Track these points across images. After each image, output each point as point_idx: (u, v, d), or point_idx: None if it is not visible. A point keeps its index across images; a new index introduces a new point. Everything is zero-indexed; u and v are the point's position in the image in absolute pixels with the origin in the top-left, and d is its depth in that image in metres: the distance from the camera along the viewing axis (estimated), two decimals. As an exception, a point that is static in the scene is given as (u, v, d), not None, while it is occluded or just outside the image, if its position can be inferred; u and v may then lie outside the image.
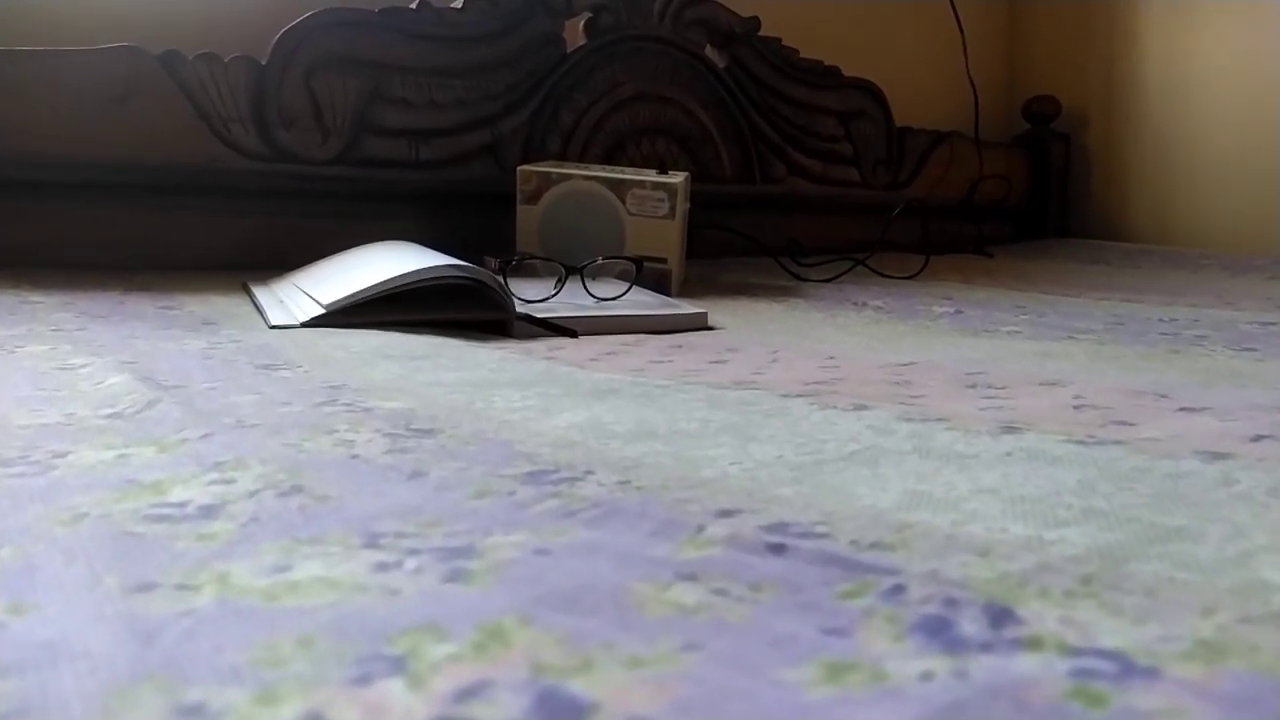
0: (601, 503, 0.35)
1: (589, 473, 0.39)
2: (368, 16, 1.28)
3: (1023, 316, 1.01)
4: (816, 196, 1.68)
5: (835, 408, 0.51)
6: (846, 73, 1.71)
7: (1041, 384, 0.60)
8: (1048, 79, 2.04)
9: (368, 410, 0.50)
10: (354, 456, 0.40)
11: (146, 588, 0.27)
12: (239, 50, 1.21)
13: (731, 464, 0.40)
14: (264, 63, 1.22)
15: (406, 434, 0.45)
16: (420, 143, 1.32)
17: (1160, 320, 0.98)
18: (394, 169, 1.30)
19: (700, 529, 0.32)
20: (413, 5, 1.32)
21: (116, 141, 1.14)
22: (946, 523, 0.32)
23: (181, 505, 0.34)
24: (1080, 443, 0.43)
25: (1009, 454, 0.41)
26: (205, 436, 0.42)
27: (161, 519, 0.32)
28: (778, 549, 0.30)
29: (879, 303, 1.11)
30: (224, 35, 1.28)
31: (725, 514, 0.33)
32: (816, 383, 0.60)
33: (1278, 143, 1.76)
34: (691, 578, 0.28)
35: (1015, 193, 1.91)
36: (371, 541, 0.31)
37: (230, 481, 0.36)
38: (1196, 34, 1.85)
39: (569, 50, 1.43)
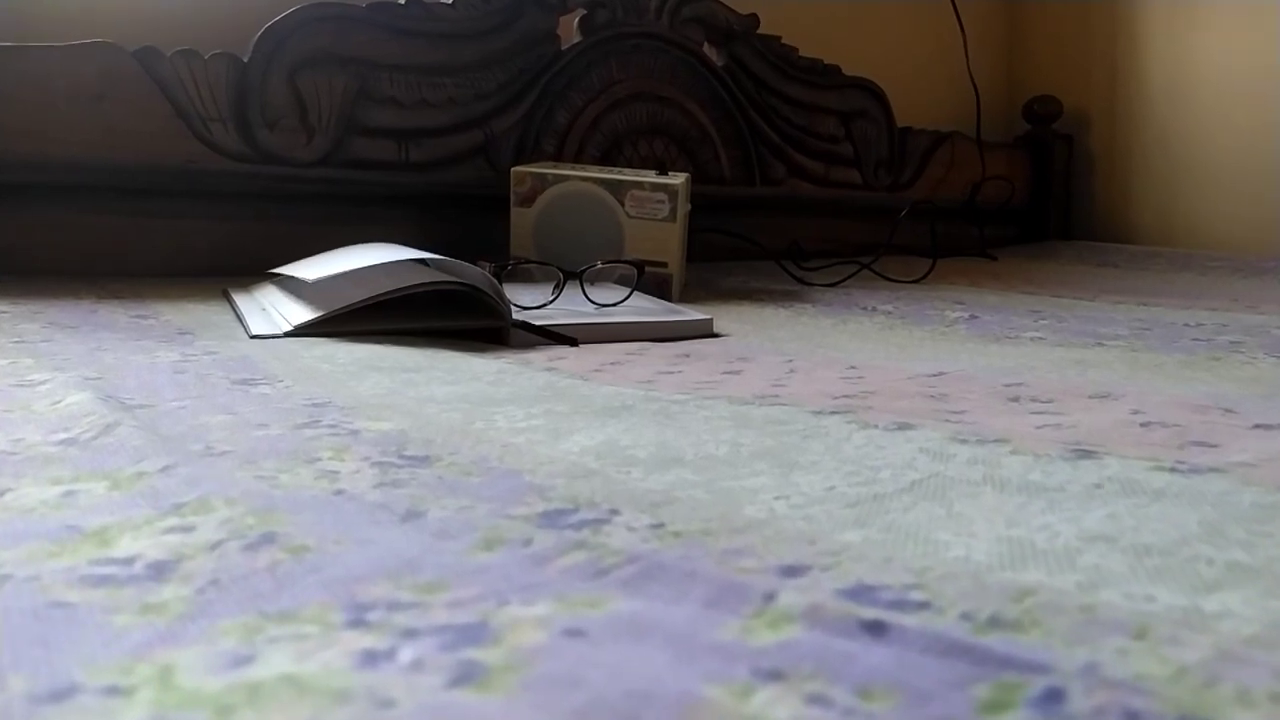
0: (637, 556, 0.29)
1: (614, 512, 0.33)
2: (354, 12, 1.23)
3: (1042, 321, 0.97)
4: (817, 199, 1.64)
5: (876, 426, 0.46)
6: (846, 72, 1.67)
7: (1091, 396, 0.55)
8: (1049, 79, 2.00)
9: (354, 433, 0.44)
10: (338, 492, 0.35)
11: (64, 694, 0.21)
12: (219, 46, 1.16)
13: (777, 498, 0.34)
14: (246, 59, 1.17)
15: (399, 462, 0.39)
16: (410, 143, 1.27)
17: (1186, 325, 0.94)
18: (382, 170, 1.25)
19: (769, 597, 0.25)
20: (401, 0, 1.27)
21: (91, 142, 1.09)
22: (1071, 586, 0.26)
23: (128, 562, 0.28)
24: (1173, 470, 0.38)
25: (1099, 486, 0.35)
26: (166, 469, 0.36)
27: (101, 582, 0.26)
28: (876, 629, 0.24)
29: (889, 308, 1.06)
30: (204, 31, 1.23)
31: (791, 572, 0.27)
32: (845, 396, 0.55)
33: (1282, 143, 1.73)
34: (776, 676, 0.22)
35: (1017, 194, 1.87)
36: (357, 617, 0.25)
37: (189, 529, 0.30)
38: (1200, 34, 1.82)
39: (563, 48, 1.39)
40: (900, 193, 1.73)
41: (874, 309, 1.05)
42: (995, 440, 0.43)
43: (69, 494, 0.34)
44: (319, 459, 0.39)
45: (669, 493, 0.35)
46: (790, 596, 0.25)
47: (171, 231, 1.15)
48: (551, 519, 0.32)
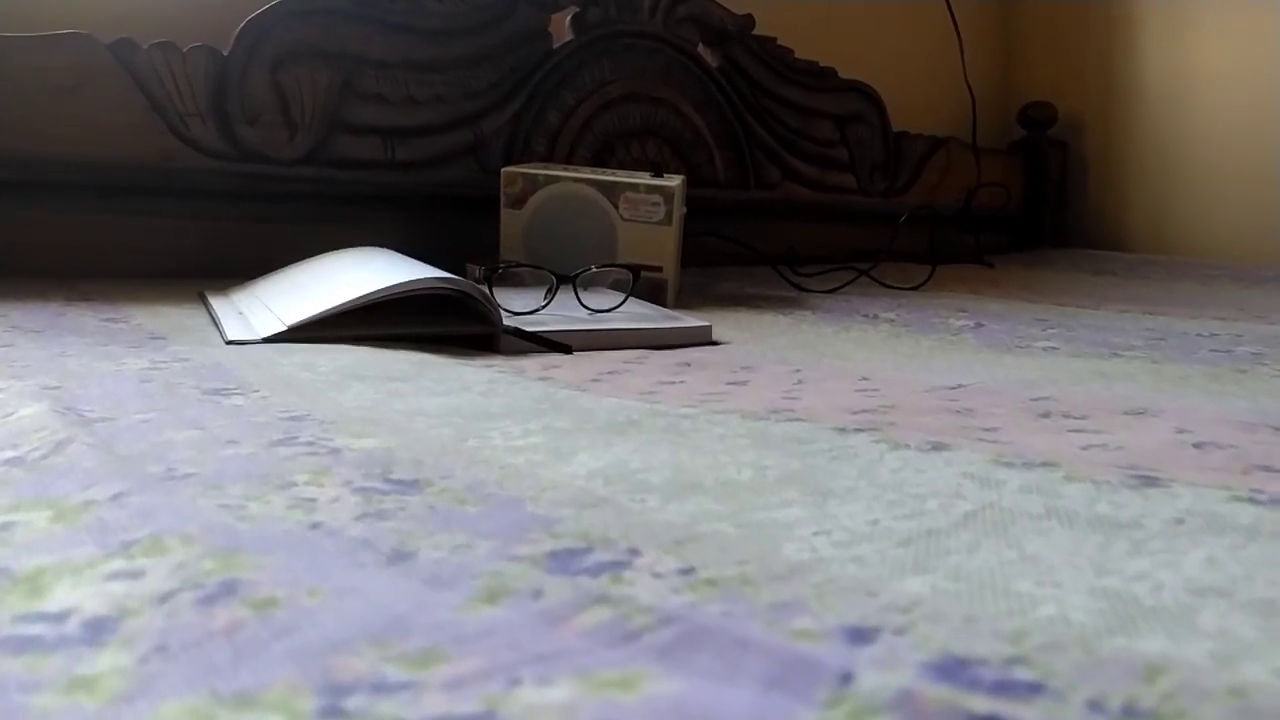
0: (671, 616, 0.24)
1: (634, 553, 0.29)
2: (340, 5, 1.19)
3: (1050, 330, 0.94)
4: (812, 203, 1.60)
5: (908, 446, 0.42)
6: (841, 75, 1.64)
7: (1127, 413, 0.51)
8: (1044, 85, 1.98)
9: (335, 452, 0.40)
10: (314, 526, 0.30)
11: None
12: (199, 39, 1.12)
13: (817, 534, 0.30)
14: (226, 53, 1.13)
15: (384, 488, 0.35)
16: (396, 142, 1.23)
17: (1199, 335, 0.91)
18: (367, 170, 1.21)
19: (845, 679, 0.20)
20: (388, -6, 1.23)
21: (63, 137, 1.04)
22: (1203, 659, 0.22)
23: (60, 618, 0.23)
24: (1253, 501, 0.34)
25: (1180, 521, 0.32)
26: (118, 497, 0.32)
27: (25, 646, 0.22)
28: (992, 729, 0.19)
29: (891, 315, 1.03)
30: (183, 23, 1.18)
31: (858, 637, 0.23)
32: (865, 411, 0.52)
33: (1278, 150, 1.71)
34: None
35: (1011, 200, 1.84)
36: (333, 704, 0.20)
37: (137, 575, 0.26)
38: (1195, 39, 1.80)
39: (555, 46, 1.35)
40: (895, 198, 1.70)
41: (876, 316, 1.02)
42: (1043, 464, 0.39)
43: (5, 527, 0.29)
44: (294, 483, 0.35)
45: (692, 527, 0.31)
46: (871, 677, 0.20)
47: (146, 230, 1.10)
48: (563, 561, 0.28)
